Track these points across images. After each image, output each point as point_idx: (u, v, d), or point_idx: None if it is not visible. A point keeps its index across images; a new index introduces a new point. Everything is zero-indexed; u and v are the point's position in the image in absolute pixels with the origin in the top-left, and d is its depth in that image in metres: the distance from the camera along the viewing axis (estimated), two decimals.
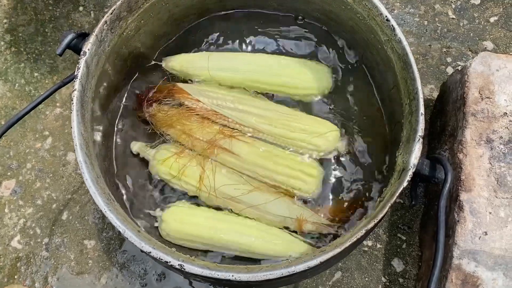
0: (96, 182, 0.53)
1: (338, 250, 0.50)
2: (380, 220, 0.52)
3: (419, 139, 0.53)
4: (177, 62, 0.80)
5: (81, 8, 1.03)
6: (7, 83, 0.99)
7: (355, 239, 0.51)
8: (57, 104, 0.96)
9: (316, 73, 0.78)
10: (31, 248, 0.87)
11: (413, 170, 0.52)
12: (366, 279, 0.83)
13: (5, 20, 1.03)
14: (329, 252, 0.50)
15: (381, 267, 0.84)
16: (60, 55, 0.58)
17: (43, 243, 0.88)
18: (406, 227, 0.86)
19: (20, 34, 1.02)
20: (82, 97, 0.56)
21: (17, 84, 0.98)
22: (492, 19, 0.98)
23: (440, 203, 0.51)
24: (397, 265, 0.84)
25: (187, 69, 0.79)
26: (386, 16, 0.59)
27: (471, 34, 0.97)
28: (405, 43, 0.57)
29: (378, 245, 0.85)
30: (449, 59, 0.96)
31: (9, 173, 0.92)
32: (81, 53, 0.57)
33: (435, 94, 0.93)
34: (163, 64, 0.80)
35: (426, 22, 0.99)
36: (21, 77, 0.99)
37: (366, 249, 0.85)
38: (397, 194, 0.52)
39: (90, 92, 0.59)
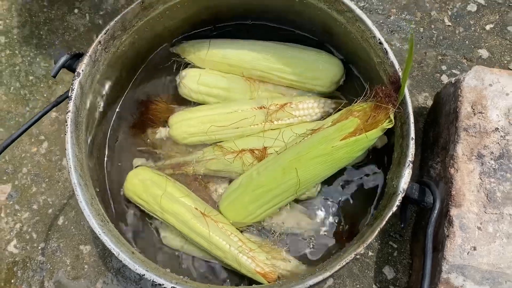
0: (91, 204, 0.54)
1: (327, 274, 0.51)
2: (369, 244, 0.53)
3: (409, 164, 0.54)
4: (185, 48, 0.81)
5: (76, 11, 1.02)
6: (2, 86, 0.99)
7: (344, 263, 0.52)
8: (53, 109, 0.96)
9: (328, 65, 0.78)
10: (27, 252, 0.89)
11: (403, 195, 0.53)
12: (358, 286, 0.85)
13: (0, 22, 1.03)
14: (319, 275, 0.51)
15: (372, 275, 0.85)
16: (54, 76, 0.59)
17: (39, 247, 0.89)
18: (397, 235, 0.87)
19: (15, 36, 1.02)
20: (76, 118, 0.57)
21: (12, 87, 0.98)
22: (488, 27, 0.98)
23: (428, 230, 0.52)
24: (388, 272, 0.85)
25: (195, 55, 0.80)
26: (379, 39, 0.59)
27: (467, 42, 0.97)
28: (397, 66, 0.57)
29: (370, 253, 0.86)
30: (444, 67, 0.96)
31: (5, 178, 0.93)
32: (75, 74, 0.57)
33: (429, 102, 0.93)
34: (173, 49, 0.81)
35: (422, 29, 0.99)
36: (16, 80, 0.99)
37: (358, 256, 0.86)
38: (387, 219, 0.53)
39: (84, 112, 0.59)
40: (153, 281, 0.51)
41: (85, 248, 0.89)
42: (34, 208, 0.91)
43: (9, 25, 1.02)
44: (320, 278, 0.51)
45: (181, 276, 0.54)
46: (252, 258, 0.66)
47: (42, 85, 0.98)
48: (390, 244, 0.87)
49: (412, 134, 0.55)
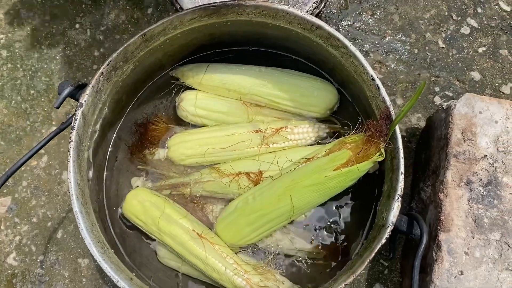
0: (91, 231, 0.56)
1: None
2: (359, 274, 0.55)
3: (398, 198, 0.56)
4: (184, 72, 0.83)
5: (77, 26, 1.04)
6: (3, 99, 1.00)
7: None
8: (53, 123, 0.98)
9: (323, 92, 0.80)
10: (26, 265, 0.90)
11: (392, 227, 0.55)
12: None
13: (1, 36, 1.04)
14: None
15: None
16: (58, 107, 0.60)
17: (38, 260, 0.91)
18: (388, 253, 0.89)
19: (17, 50, 1.03)
20: (79, 147, 0.59)
21: (13, 101, 1.00)
22: (480, 50, 1.00)
23: (415, 263, 0.54)
24: None
25: (193, 79, 0.82)
26: (372, 76, 0.61)
27: (460, 64, 0.99)
28: (388, 103, 0.59)
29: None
30: (437, 89, 0.98)
31: (5, 191, 0.95)
32: (78, 104, 0.59)
33: (422, 123, 0.96)
34: (172, 73, 0.83)
35: (416, 51, 1.01)
36: (17, 94, 1.00)
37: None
38: (376, 250, 0.55)
39: (86, 141, 0.61)
40: None
41: (83, 261, 0.91)
42: (33, 221, 0.93)
43: (11, 39, 1.04)
44: None
45: None
46: (246, 280, 0.68)
47: (43, 99, 1.00)
48: (381, 262, 0.89)
49: (402, 169, 0.57)
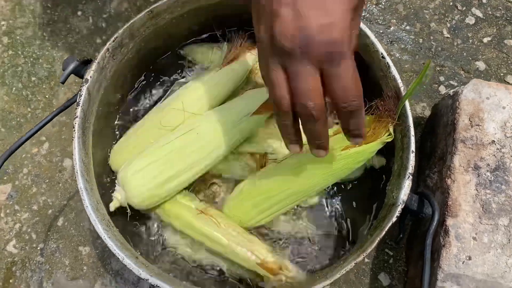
0: (96, 208, 0.55)
1: (327, 282, 0.53)
2: (369, 253, 0.54)
3: (409, 176, 0.56)
4: (193, 49, 0.82)
5: (79, 13, 1.03)
6: (4, 86, 0.99)
7: (344, 272, 0.53)
8: (54, 110, 0.97)
9: None
10: (26, 253, 0.89)
11: (402, 206, 0.55)
12: None
13: (3, 22, 1.03)
14: (318, 284, 0.52)
15: (368, 281, 0.87)
16: (63, 82, 0.59)
17: (39, 248, 0.89)
18: (393, 242, 0.89)
19: (18, 37, 1.02)
20: (84, 123, 0.58)
21: (14, 88, 0.99)
22: (485, 40, 1.00)
23: (426, 241, 0.53)
24: (384, 279, 0.87)
25: (202, 56, 0.80)
26: (382, 53, 0.60)
27: (464, 54, 0.99)
28: (399, 81, 0.59)
29: (366, 260, 0.88)
30: (442, 78, 0.98)
31: (5, 178, 0.93)
32: (83, 80, 0.58)
33: (427, 113, 0.95)
34: (181, 51, 0.82)
35: (421, 40, 1.00)
36: (18, 81, 0.99)
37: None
38: (386, 229, 0.54)
39: (92, 118, 0.60)
40: (156, 285, 0.52)
41: (84, 249, 0.89)
42: (34, 208, 0.92)
43: (12, 26, 1.03)
44: (319, 286, 0.52)
45: (184, 282, 0.55)
46: (251, 250, 0.67)
47: (44, 86, 0.99)
48: (386, 252, 0.88)
49: (413, 147, 0.57)
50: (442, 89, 0.97)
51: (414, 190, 0.87)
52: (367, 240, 0.55)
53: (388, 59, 0.59)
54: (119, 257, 0.52)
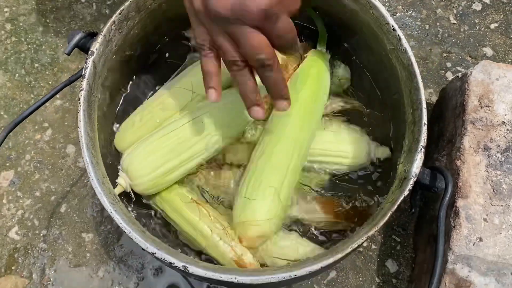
0: (102, 182, 0.54)
1: (339, 255, 0.51)
2: (381, 227, 0.53)
3: (421, 149, 0.54)
4: None
5: (83, 0, 1.02)
6: (7, 73, 0.98)
7: (356, 245, 0.52)
8: (57, 96, 0.96)
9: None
10: (29, 239, 0.88)
11: (415, 179, 0.54)
12: (360, 279, 0.85)
13: (6, 9, 1.02)
14: (330, 258, 0.51)
15: (375, 268, 0.85)
16: (68, 54, 0.58)
17: (41, 234, 0.88)
18: (400, 229, 0.87)
19: (21, 24, 1.01)
20: (89, 96, 0.57)
21: (17, 74, 0.98)
22: (492, 26, 0.99)
23: (440, 213, 0.52)
24: (391, 266, 0.86)
25: None
26: (392, 26, 0.59)
27: (471, 40, 0.98)
28: (410, 53, 0.58)
29: (373, 246, 0.87)
30: (449, 64, 0.97)
31: (7, 164, 0.92)
32: (89, 52, 0.57)
33: (434, 99, 0.94)
34: (186, 32, 0.79)
35: (427, 26, 0.99)
36: (21, 67, 0.98)
37: (361, 249, 0.86)
38: (398, 203, 0.53)
39: (97, 92, 0.59)
40: (163, 259, 0.51)
41: (87, 236, 0.88)
42: (36, 195, 0.90)
43: (15, 13, 1.02)
44: (331, 260, 0.51)
45: (191, 257, 0.54)
46: (232, 246, 0.65)
47: (47, 72, 0.98)
48: (393, 238, 0.87)
49: (425, 119, 0.56)
50: (449, 75, 0.96)
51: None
52: (378, 213, 0.54)
53: (399, 32, 0.58)
54: (126, 231, 0.51)
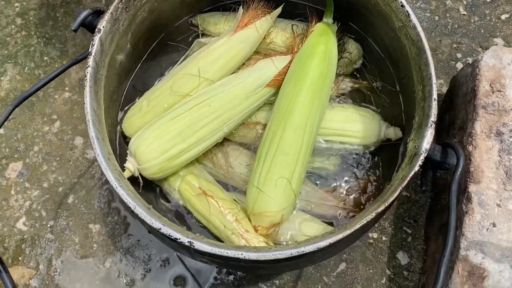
0: (108, 158, 0.53)
1: (348, 232, 0.50)
2: (390, 204, 0.51)
3: (432, 124, 0.53)
4: (205, 19, 0.81)
5: None
6: (17, 66, 0.99)
7: (365, 222, 0.50)
8: (66, 88, 0.96)
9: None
10: (36, 230, 0.87)
11: (425, 154, 0.52)
12: (371, 271, 0.83)
13: (16, 4, 1.03)
14: (339, 234, 0.50)
15: (385, 260, 0.84)
16: (75, 31, 0.58)
17: (48, 225, 0.88)
18: (412, 220, 0.86)
19: (31, 18, 1.02)
20: (96, 74, 0.57)
21: (26, 68, 0.99)
22: (503, 17, 0.98)
23: (452, 186, 0.50)
24: (402, 258, 0.84)
25: (215, 27, 0.79)
26: (401, 2, 0.59)
27: (482, 31, 0.97)
28: (419, 28, 0.57)
29: (384, 238, 0.85)
30: (459, 55, 0.96)
31: (16, 156, 0.92)
32: (96, 30, 0.57)
33: (444, 89, 0.93)
34: (192, 20, 0.80)
35: (437, 18, 0.99)
36: (31, 60, 0.99)
37: (371, 241, 0.85)
38: (408, 179, 0.52)
39: (104, 70, 0.59)
40: (169, 234, 0.50)
41: (94, 227, 0.88)
42: (44, 186, 0.90)
43: (25, 7, 1.03)
44: (340, 236, 0.49)
45: (197, 234, 0.53)
46: (246, 239, 0.64)
47: (56, 65, 0.99)
48: (404, 230, 0.86)
49: (435, 95, 0.55)
50: (460, 66, 0.95)
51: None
52: (388, 189, 0.53)
53: (407, 7, 0.58)
54: (131, 206, 0.50)
